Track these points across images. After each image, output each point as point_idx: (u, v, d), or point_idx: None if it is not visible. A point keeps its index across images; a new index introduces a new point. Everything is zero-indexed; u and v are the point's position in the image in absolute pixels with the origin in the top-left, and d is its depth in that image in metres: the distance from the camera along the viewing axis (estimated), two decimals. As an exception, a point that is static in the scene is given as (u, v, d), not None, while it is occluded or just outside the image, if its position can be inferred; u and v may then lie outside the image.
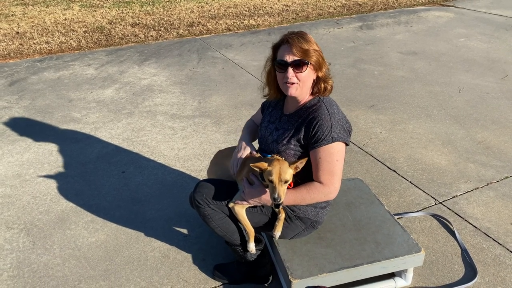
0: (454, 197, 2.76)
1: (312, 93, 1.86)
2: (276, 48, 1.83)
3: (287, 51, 1.75)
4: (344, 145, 1.82)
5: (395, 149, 3.34)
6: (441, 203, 2.71)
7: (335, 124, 1.78)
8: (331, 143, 1.76)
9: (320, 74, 1.81)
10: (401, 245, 2.02)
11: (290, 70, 1.75)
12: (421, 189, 2.84)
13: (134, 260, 2.30)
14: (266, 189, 1.81)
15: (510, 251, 2.31)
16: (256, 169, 1.75)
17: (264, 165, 1.73)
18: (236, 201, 1.87)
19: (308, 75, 1.78)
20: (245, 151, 1.96)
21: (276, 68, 1.81)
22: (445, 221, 2.54)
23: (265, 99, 2.10)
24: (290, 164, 1.76)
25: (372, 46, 5.94)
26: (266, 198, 1.82)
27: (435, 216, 2.59)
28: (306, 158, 1.78)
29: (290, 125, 1.88)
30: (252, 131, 2.19)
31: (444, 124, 3.71)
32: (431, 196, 2.77)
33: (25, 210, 2.71)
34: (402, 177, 2.98)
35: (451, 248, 2.34)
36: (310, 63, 1.76)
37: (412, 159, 3.19)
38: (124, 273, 2.22)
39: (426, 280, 2.15)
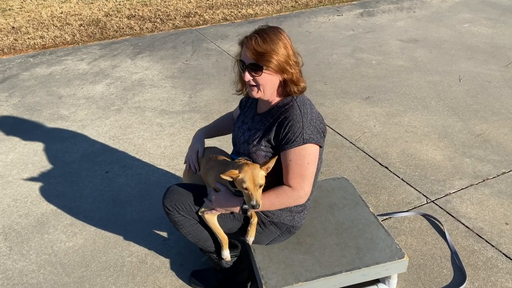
0: (447, 195, 2.64)
1: (282, 95, 1.75)
2: (241, 45, 1.71)
3: (244, 52, 1.66)
4: (317, 147, 1.71)
5: (388, 143, 3.21)
6: (433, 201, 2.59)
7: (307, 124, 1.67)
8: (302, 144, 1.66)
9: (286, 77, 1.69)
10: (383, 251, 1.92)
11: (247, 73, 1.66)
12: (413, 187, 2.73)
13: (111, 266, 2.24)
14: (234, 195, 1.72)
15: (503, 254, 2.20)
16: (227, 178, 1.65)
17: (234, 173, 1.63)
18: (205, 209, 1.78)
19: (267, 79, 1.66)
20: (193, 149, 2.01)
21: (238, 66, 1.71)
22: (435, 221, 2.43)
23: (238, 95, 1.99)
24: (261, 165, 1.66)
25: (372, 34, 5.75)
26: (233, 204, 1.72)
27: (425, 216, 2.47)
28: (276, 156, 1.68)
29: (262, 125, 1.78)
30: (221, 125, 2.17)
31: (441, 116, 3.57)
32: (423, 194, 2.65)
33: (4, 213, 2.66)
34: (394, 174, 2.86)
35: (440, 251, 2.24)
36: (269, 67, 1.63)
37: (405, 155, 3.07)
38: (99, 280, 2.15)
39: (412, 285, 2.05)
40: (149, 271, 2.19)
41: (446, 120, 3.51)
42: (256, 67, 1.63)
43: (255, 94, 1.70)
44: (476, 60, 4.71)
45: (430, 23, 6.06)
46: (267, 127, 1.74)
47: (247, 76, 1.66)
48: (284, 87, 1.72)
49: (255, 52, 1.61)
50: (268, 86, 1.68)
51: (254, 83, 1.68)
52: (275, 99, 1.75)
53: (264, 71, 1.64)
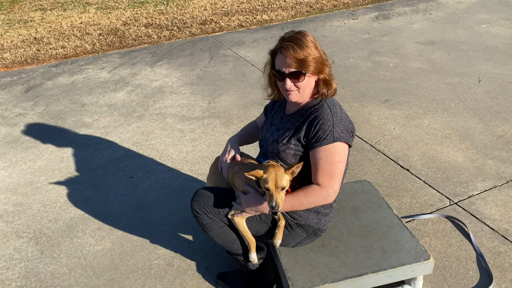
0: (470, 196, 2.63)
1: (313, 96, 1.80)
2: (273, 54, 1.77)
3: (283, 61, 1.70)
4: (346, 146, 1.75)
5: (409, 146, 3.21)
6: (456, 203, 2.59)
7: (337, 123, 1.72)
8: (333, 143, 1.70)
9: (321, 77, 1.75)
10: (408, 252, 1.93)
11: (288, 80, 1.72)
12: (435, 189, 2.72)
13: (139, 269, 2.29)
14: (263, 197, 1.76)
15: (530, 255, 2.18)
16: (251, 177, 1.70)
17: (259, 173, 1.68)
18: (234, 212, 1.83)
19: (307, 82, 1.73)
20: (230, 154, 1.96)
21: (275, 76, 1.77)
22: (459, 223, 2.42)
23: (269, 100, 2.05)
24: (286, 169, 1.70)
25: (388, 37, 5.75)
26: (263, 206, 1.76)
27: (449, 218, 2.47)
28: (302, 162, 1.72)
29: (291, 125, 1.82)
30: (248, 133, 2.17)
31: (461, 118, 3.55)
32: (446, 196, 2.65)
33: (35, 218, 2.74)
34: (416, 176, 2.86)
35: (465, 253, 2.23)
36: (309, 71, 1.70)
37: (426, 157, 3.06)
38: (128, 282, 2.21)
39: (438, 287, 2.05)
40: (176, 274, 2.24)
41: (466, 121, 3.49)
42: (298, 74, 1.69)
43: (294, 97, 1.77)
44: (496, 60, 4.67)
45: (446, 25, 6.03)
46: (297, 126, 1.78)
47: (288, 84, 1.71)
48: (316, 88, 1.79)
49: (296, 60, 1.67)
50: (307, 89, 1.76)
51: (293, 89, 1.73)
52: (305, 100, 1.80)
53: (305, 76, 1.70)
